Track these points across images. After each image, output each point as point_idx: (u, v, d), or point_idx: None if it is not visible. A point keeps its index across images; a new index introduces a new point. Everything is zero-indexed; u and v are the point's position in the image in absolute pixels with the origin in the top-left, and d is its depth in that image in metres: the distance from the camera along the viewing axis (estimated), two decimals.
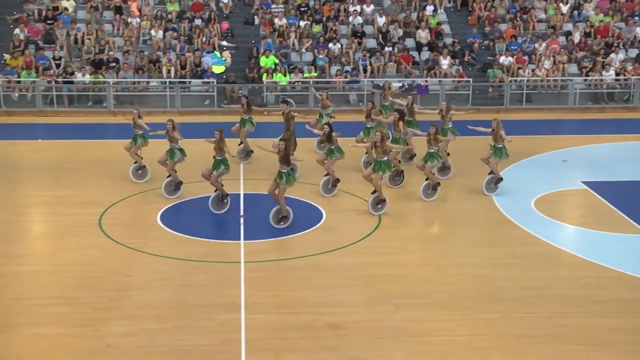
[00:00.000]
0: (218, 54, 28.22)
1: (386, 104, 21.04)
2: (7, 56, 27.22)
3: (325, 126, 17.69)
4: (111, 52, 27.68)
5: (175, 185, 17.06)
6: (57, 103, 26.46)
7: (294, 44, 29.20)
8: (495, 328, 11.79)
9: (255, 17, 30.35)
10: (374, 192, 16.35)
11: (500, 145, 17.45)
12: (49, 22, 28.80)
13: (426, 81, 27.76)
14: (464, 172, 19.44)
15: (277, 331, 11.59)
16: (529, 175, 19.63)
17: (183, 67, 27.54)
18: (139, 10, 29.80)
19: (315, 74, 27.78)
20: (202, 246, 14.73)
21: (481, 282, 13.39)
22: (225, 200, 16.35)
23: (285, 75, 27.47)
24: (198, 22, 29.45)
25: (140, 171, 18.15)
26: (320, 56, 28.30)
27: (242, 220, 15.89)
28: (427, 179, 17.30)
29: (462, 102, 27.69)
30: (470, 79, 28.04)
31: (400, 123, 18.30)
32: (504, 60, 28.52)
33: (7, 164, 19.95)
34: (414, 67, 28.50)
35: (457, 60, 28.68)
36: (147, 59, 27.57)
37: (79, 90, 26.80)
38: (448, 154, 19.20)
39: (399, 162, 18.61)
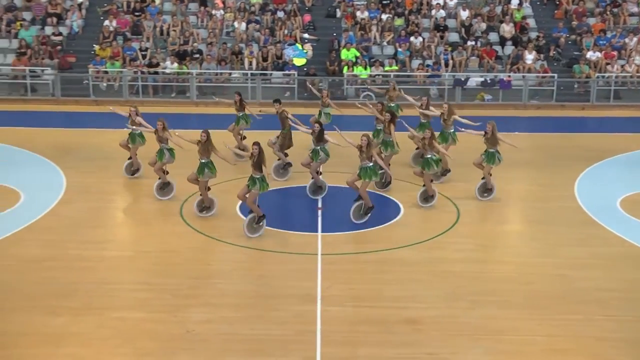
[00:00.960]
0: (300, 46, 28.42)
1: (392, 105, 19.69)
2: (96, 47, 28.08)
3: (316, 125, 16.60)
4: (195, 44, 28.22)
5: (163, 186, 16.70)
6: (142, 93, 27.17)
7: (375, 37, 29.14)
8: (574, 330, 11.55)
9: (337, 10, 30.41)
10: (357, 200, 15.36)
11: (493, 150, 16.33)
12: (137, 13, 29.56)
13: (509, 76, 27.29)
14: (543, 170, 19.08)
15: (353, 324, 11.64)
16: (615, 174, 19.11)
17: (265, 59, 27.85)
18: (223, 2, 30.25)
19: (396, 68, 27.67)
20: (280, 237, 14.90)
21: (561, 282, 13.14)
22: (206, 212, 15.78)
23: (365, 68, 27.46)
24: (280, 14, 29.70)
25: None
26: (402, 50, 28.16)
27: (319, 212, 16.00)
28: (424, 188, 16.30)
29: (546, 99, 27.18)
30: (555, 75, 27.42)
31: (392, 125, 17.05)
32: (591, 55, 27.77)
33: (95, 151, 20.61)
34: (496, 62, 28.06)
35: (542, 55, 28.08)
36: (230, 51, 27.99)
37: (164, 81, 27.46)
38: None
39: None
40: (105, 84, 27.37)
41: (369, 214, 15.32)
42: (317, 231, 15.13)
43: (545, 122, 25.48)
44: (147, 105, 26.45)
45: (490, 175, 16.56)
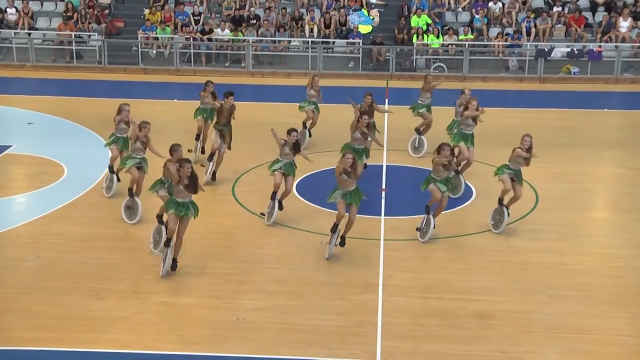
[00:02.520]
0: (365, 12, 28.31)
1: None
2: (146, 11, 28.46)
3: (294, 133, 14.50)
4: (252, 9, 28.37)
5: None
6: (194, 61, 27.47)
7: (449, 3, 28.83)
8: None
9: None
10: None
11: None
12: None
13: (600, 46, 26.68)
14: (635, 152, 18.66)
15: (417, 317, 11.64)
16: None
17: (327, 26, 27.82)
18: None
19: (472, 37, 27.32)
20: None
21: None
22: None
23: (438, 37, 27.20)
24: None
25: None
26: (479, 16, 27.78)
27: (383, 194, 15.98)
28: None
29: None
30: None
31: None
32: None
33: None
34: (586, 30, 27.47)
35: (638, 23, 27.37)
36: (290, 17, 28.05)
37: (217, 49, 27.71)
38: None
39: None
40: (155, 51, 27.77)
41: None
42: (380, 215, 15.13)
43: None
44: (200, 75, 26.80)
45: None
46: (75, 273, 12.86)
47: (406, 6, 28.45)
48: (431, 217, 13.84)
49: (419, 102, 18.23)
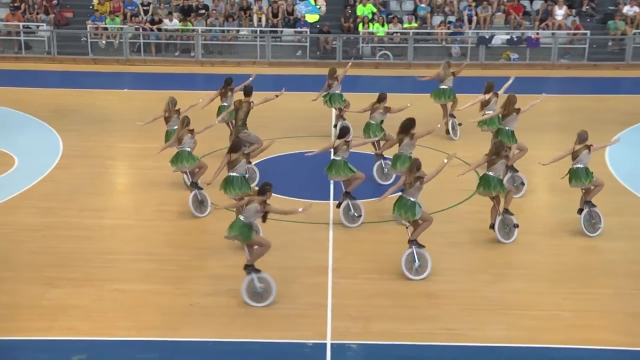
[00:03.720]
0: (312, 1, 28.24)
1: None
2: (95, 1, 28.00)
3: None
4: None
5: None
6: (144, 51, 27.14)
7: None
8: (603, 305, 11.57)
9: None
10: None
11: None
12: None
13: (537, 33, 27.03)
14: (572, 135, 18.99)
15: (366, 298, 11.71)
16: None
17: (275, 15, 27.70)
18: None
19: (416, 25, 27.45)
20: (289, 205, 14.90)
21: (590, 254, 13.15)
22: None
23: (383, 25, 27.27)
24: None
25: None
26: (422, 5, 27.91)
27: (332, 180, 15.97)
28: None
29: (577, 57, 26.96)
30: (588, 32, 27.17)
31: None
32: (628, 10, 27.46)
33: (93, 114, 20.66)
34: (524, 18, 27.81)
35: (573, 11, 27.81)
36: (238, 6, 27.86)
37: (167, 39, 27.41)
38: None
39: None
40: (104, 42, 27.37)
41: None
42: (329, 199, 15.15)
43: (576, 82, 25.30)
44: (149, 65, 26.55)
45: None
46: (29, 263, 12.66)
47: None
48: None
49: (443, 87, 18.09)
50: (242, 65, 26.26)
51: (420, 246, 12.31)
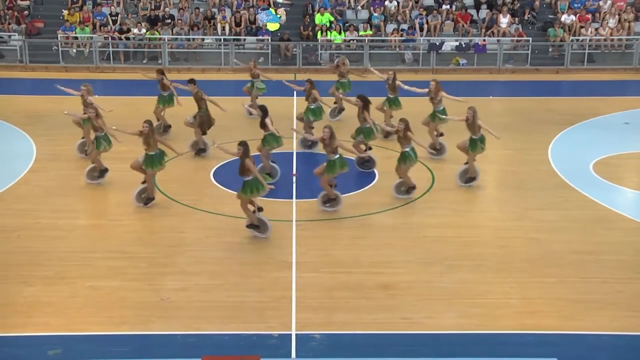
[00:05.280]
0: (273, 11, 28.15)
1: (344, 80, 19.66)
2: (65, 12, 27.59)
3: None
4: (167, 9, 27.83)
5: (99, 172, 15.83)
6: (113, 59, 26.81)
7: (349, 2, 28.92)
8: (549, 292, 11.69)
9: None
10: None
11: (476, 138, 15.26)
12: None
13: (484, 40, 27.26)
14: (517, 134, 19.18)
15: (328, 290, 11.69)
16: (589, 137, 19.24)
17: (238, 24, 27.56)
18: None
19: (371, 33, 27.51)
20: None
21: (536, 246, 13.27)
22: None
23: (340, 33, 27.29)
24: None
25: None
26: (376, 14, 27.99)
27: (294, 178, 15.96)
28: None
29: (521, 62, 27.23)
30: (530, 38, 27.45)
31: (366, 112, 15.91)
32: (565, 18, 27.81)
33: (65, 119, 20.24)
34: (471, 26, 28.01)
35: (516, 19, 28.09)
36: (202, 16, 27.66)
37: (135, 47, 27.11)
38: (441, 134, 17.77)
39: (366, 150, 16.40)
40: (75, 50, 26.98)
41: (334, 207, 14.56)
42: (292, 198, 15.11)
43: (520, 86, 25.57)
44: (118, 72, 26.26)
45: (474, 161, 15.76)
46: (4, 262, 12.42)
47: (310, 5, 28.42)
48: None
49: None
50: (207, 72, 26.10)
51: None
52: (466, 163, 15.80)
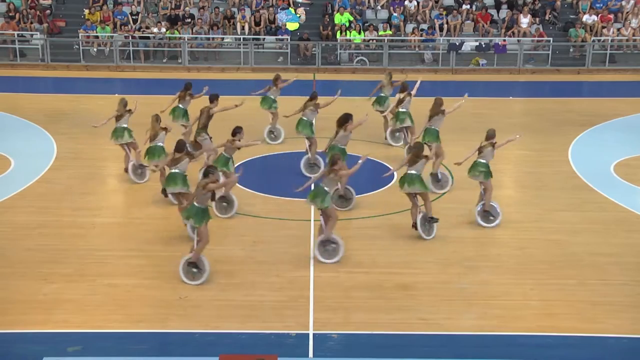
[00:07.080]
0: (293, 10, 28.18)
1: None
2: (86, 11, 27.77)
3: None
4: (187, 8, 27.94)
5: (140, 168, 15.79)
6: (133, 58, 26.95)
7: (369, 1, 28.88)
8: (568, 294, 11.61)
9: None
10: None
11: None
12: None
13: (504, 40, 27.13)
14: (538, 135, 19.06)
15: (346, 290, 11.68)
16: (610, 138, 19.11)
17: (257, 24, 27.60)
18: None
19: (390, 32, 27.46)
20: (273, 203, 14.89)
21: (555, 247, 13.18)
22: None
23: (359, 33, 27.26)
24: None
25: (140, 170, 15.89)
26: (396, 14, 27.93)
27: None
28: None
29: (541, 63, 27.08)
30: (551, 39, 27.29)
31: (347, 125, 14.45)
32: (587, 18, 27.61)
33: (86, 117, 20.45)
34: (491, 26, 27.89)
35: (537, 19, 27.91)
36: (222, 15, 27.73)
37: (155, 46, 27.23)
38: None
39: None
40: (95, 49, 27.14)
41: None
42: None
43: (540, 86, 25.43)
44: (139, 71, 26.40)
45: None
46: (25, 259, 12.51)
47: (330, 5, 28.42)
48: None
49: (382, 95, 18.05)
50: (226, 71, 26.19)
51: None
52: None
